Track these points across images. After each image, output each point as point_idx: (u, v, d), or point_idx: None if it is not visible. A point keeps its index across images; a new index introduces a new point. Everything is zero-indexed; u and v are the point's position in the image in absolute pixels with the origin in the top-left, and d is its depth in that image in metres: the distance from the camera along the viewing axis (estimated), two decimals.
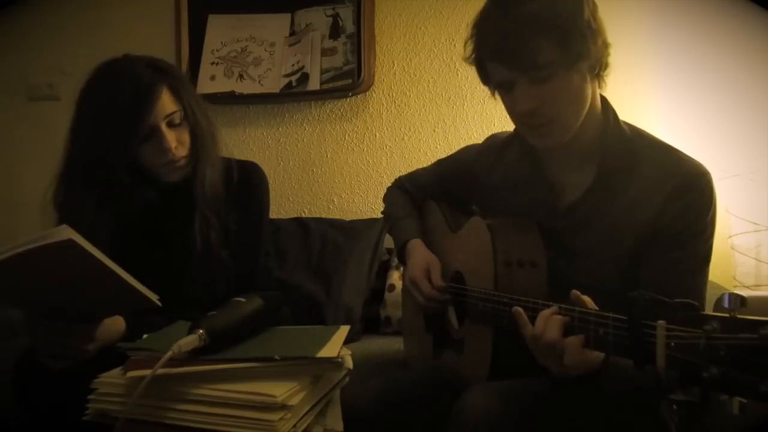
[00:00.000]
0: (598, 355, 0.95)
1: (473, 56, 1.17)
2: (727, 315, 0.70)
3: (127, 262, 1.02)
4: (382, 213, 1.66)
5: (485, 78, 1.19)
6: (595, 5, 1.11)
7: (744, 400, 0.68)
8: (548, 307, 1.01)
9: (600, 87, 1.18)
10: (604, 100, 1.20)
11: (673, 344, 0.76)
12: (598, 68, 1.13)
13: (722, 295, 0.71)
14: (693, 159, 1.15)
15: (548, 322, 0.97)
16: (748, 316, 0.69)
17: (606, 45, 1.12)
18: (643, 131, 1.22)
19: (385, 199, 1.65)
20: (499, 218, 1.26)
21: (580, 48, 1.07)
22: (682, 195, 1.11)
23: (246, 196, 1.47)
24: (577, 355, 0.94)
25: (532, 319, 1.03)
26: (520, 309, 1.03)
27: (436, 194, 1.55)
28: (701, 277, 1.13)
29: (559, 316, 0.97)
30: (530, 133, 1.18)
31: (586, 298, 0.98)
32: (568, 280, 1.16)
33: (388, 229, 1.64)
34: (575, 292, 0.98)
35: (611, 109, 1.20)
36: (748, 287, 2.11)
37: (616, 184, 1.16)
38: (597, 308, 0.96)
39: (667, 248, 1.11)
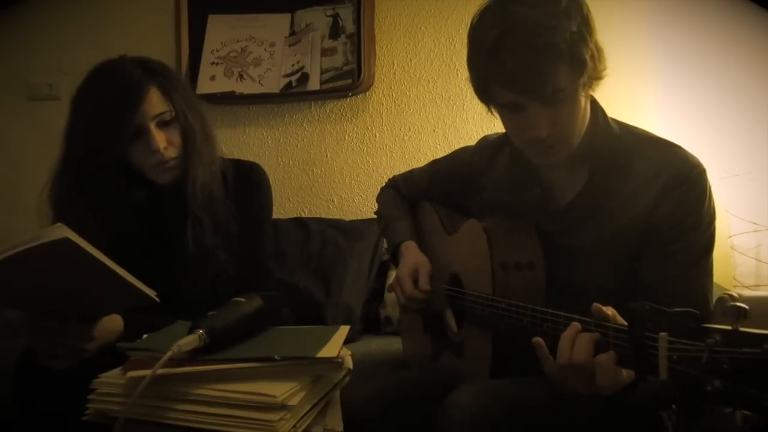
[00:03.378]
0: (629, 373, 0.89)
1: (478, 79, 1.14)
2: (729, 328, 0.70)
3: (122, 263, 1.02)
4: (376, 213, 1.66)
5: (487, 98, 1.15)
6: (592, 18, 1.10)
7: (747, 413, 0.68)
8: (546, 313, 1.00)
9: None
10: (591, 99, 1.19)
11: (675, 357, 0.75)
12: (594, 84, 1.14)
13: (723, 303, 0.71)
14: (685, 152, 1.15)
15: (576, 341, 0.91)
16: (750, 329, 0.69)
17: (605, 59, 1.12)
18: (633, 127, 1.22)
19: (379, 199, 1.65)
20: (495, 220, 1.26)
21: (592, 71, 1.08)
22: (674, 189, 1.11)
23: (246, 196, 1.46)
24: (612, 374, 0.88)
25: (532, 325, 1.02)
26: (540, 340, 0.96)
27: (430, 195, 1.55)
28: (702, 269, 1.13)
29: (589, 334, 0.91)
30: (536, 152, 1.16)
31: (610, 310, 0.92)
32: (565, 281, 1.16)
33: (381, 229, 1.64)
34: (597, 305, 0.93)
35: (599, 109, 1.20)
36: (748, 287, 2.11)
37: (609, 183, 1.16)
38: (623, 320, 0.91)
39: (665, 242, 1.11)
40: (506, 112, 1.15)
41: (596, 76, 1.11)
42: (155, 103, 1.32)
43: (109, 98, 1.29)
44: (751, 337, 0.68)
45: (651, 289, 1.10)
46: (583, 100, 1.11)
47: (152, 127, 1.31)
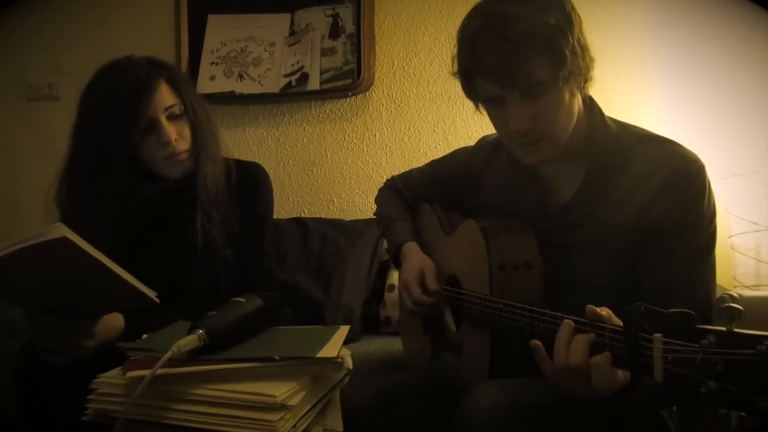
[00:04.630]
0: (625, 374, 0.89)
1: (461, 72, 1.16)
2: (724, 329, 0.70)
3: (130, 258, 1.03)
4: (375, 214, 1.65)
5: (471, 92, 1.18)
6: (581, 20, 1.11)
7: (743, 414, 0.68)
8: (543, 314, 1.00)
9: (583, 94, 1.17)
10: (588, 98, 1.20)
11: (670, 358, 0.75)
12: (583, 83, 1.14)
13: (721, 303, 0.71)
14: (683, 148, 1.15)
15: (572, 343, 0.91)
16: (744, 331, 0.69)
17: (591, 60, 1.13)
18: (631, 125, 1.22)
19: (378, 199, 1.65)
20: (492, 220, 1.26)
21: (572, 66, 1.08)
22: (672, 185, 1.11)
23: (248, 197, 1.47)
24: (607, 376, 0.88)
25: (529, 325, 1.02)
26: (538, 343, 0.96)
27: (429, 195, 1.55)
28: (705, 266, 1.12)
29: (584, 335, 0.91)
30: (520, 149, 1.17)
31: (605, 311, 0.91)
32: (563, 280, 1.16)
33: (381, 230, 1.64)
34: (591, 307, 0.92)
35: (597, 108, 1.20)
36: (748, 287, 2.11)
37: (607, 182, 1.16)
38: (619, 320, 0.90)
39: (665, 239, 1.11)
40: (490, 107, 1.16)
41: (579, 73, 1.11)
42: (165, 96, 1.33)
43: (121, 93, 1.31)
44: (745, 338, 0.68)
45: (652, 287, 1.10)
46: (566, 96, 1.11)
47: (163, 119, 1.33)
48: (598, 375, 0.88)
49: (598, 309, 0.91)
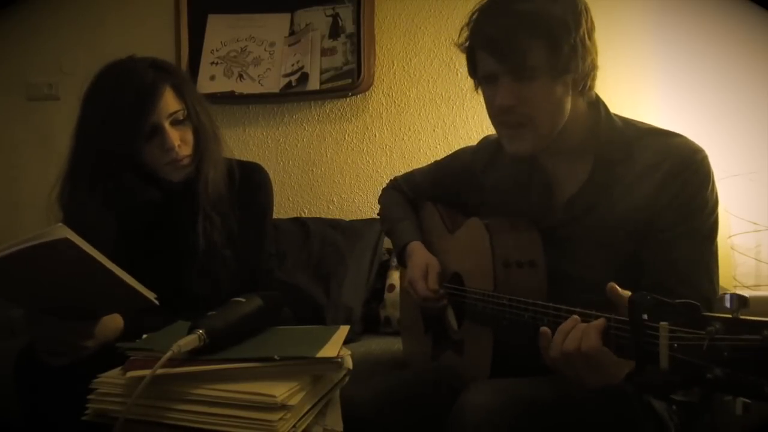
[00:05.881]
0: (628, 361, 0.89)
1: (466, 44, 1.20)
2: (730, 316, 0.70)
3: (131, 261, 1.02)
4: (378, 214, 1.66)
5: (473, 69, 1.21)
6: (593, 25, 1.13)
7: (748, 401, 0.68)
8: (547, 308, 1.00)
9: (589, 97, 1.19)
10: (594, 97, 1.20)
11: (676, 345, 0.75)
12: (582, 86, 1.15)
13: (723, 295, 0.72)
14: (686, 138, 1.17)
15: (571, 332, 0.92)
16: (750, 317, 0.69)
17: (594, 66, 1.14)
18: (634, 120, 1.23)
19: (381, 199, 1.65)
20: (496, 218, 1.26)
21: (568, 61, 1.10)
22: (678, 174, 1.12)
23: (249, 197, 1.48)
24: (614, 363, 0.89)
25: (533, 320, 1.02)
26: (547, 330, 0.97)
27: (432, 195, 1.55)
28: (707, 253, 1.13)
29: (583, 324, 0.92)
30: (504, 133, 1.20)
31: (625, 293, 0.91)
32: (568, 276, 1.16)
33: (385, 231, 1.64)
34: (612, 284, 0.92)
35: (602, 104, 1.21)
36: (748, 287, 2.11)
37: (613, 175, 1.17)
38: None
39: (670, 226, 1.12)
40: (484, 85, 1.19)
41: (575, 71, 1.11)
42: (170, 102, 1.33)
43: (125, 98, 1.30)
44: (751, 325, 0.68)
45: (656, 276, 1.11)
46: (558, 91, 1.12)
47: (167, 125, 1.33)
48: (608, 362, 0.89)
49: (619, 289, 0.91)
